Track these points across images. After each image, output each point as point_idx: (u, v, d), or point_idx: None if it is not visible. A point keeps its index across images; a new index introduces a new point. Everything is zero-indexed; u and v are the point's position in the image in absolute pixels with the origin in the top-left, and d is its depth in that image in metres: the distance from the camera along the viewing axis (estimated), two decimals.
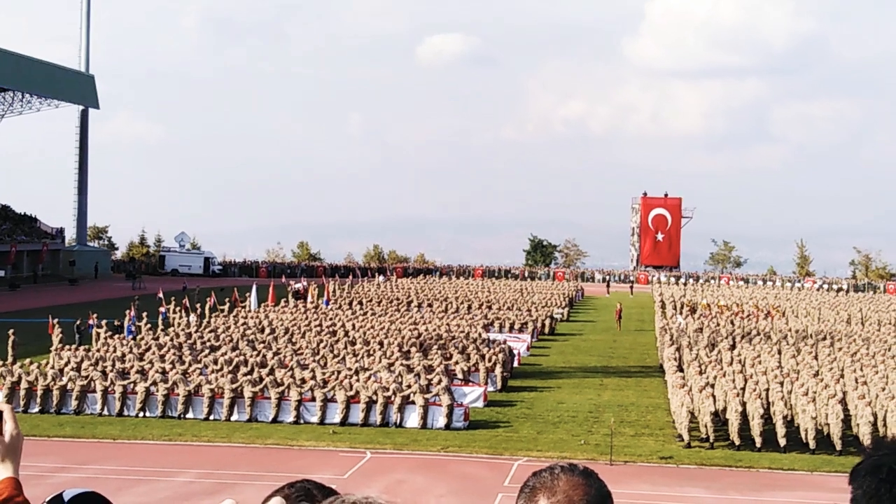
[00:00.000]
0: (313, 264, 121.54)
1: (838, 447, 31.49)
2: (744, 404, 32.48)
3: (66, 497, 2.98)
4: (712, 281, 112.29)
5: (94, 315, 53.17)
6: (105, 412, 35.91)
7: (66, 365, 39.00)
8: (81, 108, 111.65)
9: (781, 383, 35.73)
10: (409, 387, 35.35)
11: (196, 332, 50.01)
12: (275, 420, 34.79)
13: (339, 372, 37.79)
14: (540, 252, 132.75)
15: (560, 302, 75.63)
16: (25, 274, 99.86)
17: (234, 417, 35.12)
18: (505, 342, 48.30)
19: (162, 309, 60.21)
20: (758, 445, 31.55)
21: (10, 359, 42.52)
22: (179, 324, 54.89)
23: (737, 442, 31.80)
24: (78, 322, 52.73)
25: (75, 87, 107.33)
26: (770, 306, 74.15)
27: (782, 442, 31.65)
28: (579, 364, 50.16)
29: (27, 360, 39.63)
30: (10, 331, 46.11)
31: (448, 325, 55.84)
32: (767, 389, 35.30)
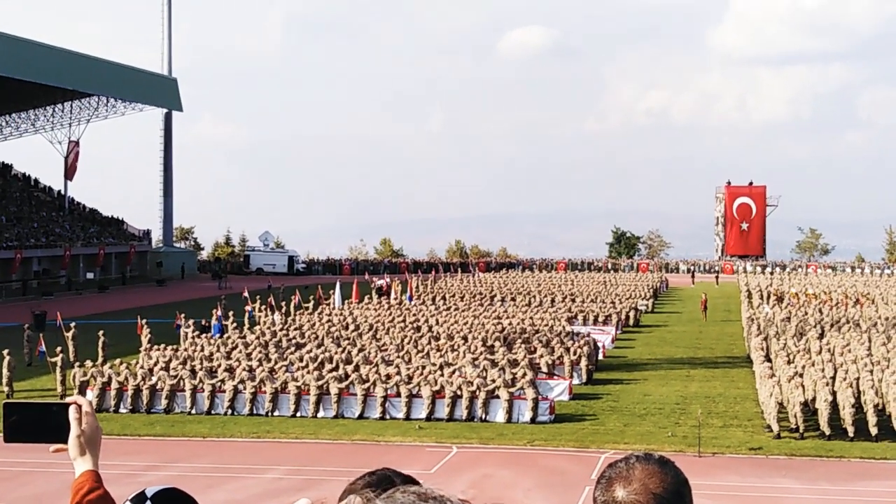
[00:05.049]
0: (396, 261, 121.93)
1: None
2: (834, 393, 32.00)
3: (149, 493, 3.04)
4: (799, 269, 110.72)
5: (182, 315, 53.99)
6: (194, 410, 36.37)
7: (155, 364, 39.57)
8: (165, 111, 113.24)
9: (872, 371, 35.14)
10: (493, 381, 35.32)
11: (281, 329, 50.41)
12: (361, 416, 34.95)
13: (423, 367, 37.84)
14: (623, 244, 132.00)
15: (644, 293, 75.09)
16: (114, 276, 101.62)
17: (321, 414, 35.34)
18: (589, 335, 48.06)
19: (248, 308, 60.87)
20: (850, 435, 31.05)
21: (100, 359, 43.29)
22: (265, 322, 55.38)
23: (827, 432, 31.30)
24: (178, 322, 53.57)
25: (158, 91, 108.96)
26: (859, 294, 72.87)
27: (874, 431, 31.13)
28: (665, 355, 49.79)
29: (117, 361, 40.24)
30: (100, 332, 46.96)
31: (532, 318, 55.72)
32: (857, 378, 34.73)
